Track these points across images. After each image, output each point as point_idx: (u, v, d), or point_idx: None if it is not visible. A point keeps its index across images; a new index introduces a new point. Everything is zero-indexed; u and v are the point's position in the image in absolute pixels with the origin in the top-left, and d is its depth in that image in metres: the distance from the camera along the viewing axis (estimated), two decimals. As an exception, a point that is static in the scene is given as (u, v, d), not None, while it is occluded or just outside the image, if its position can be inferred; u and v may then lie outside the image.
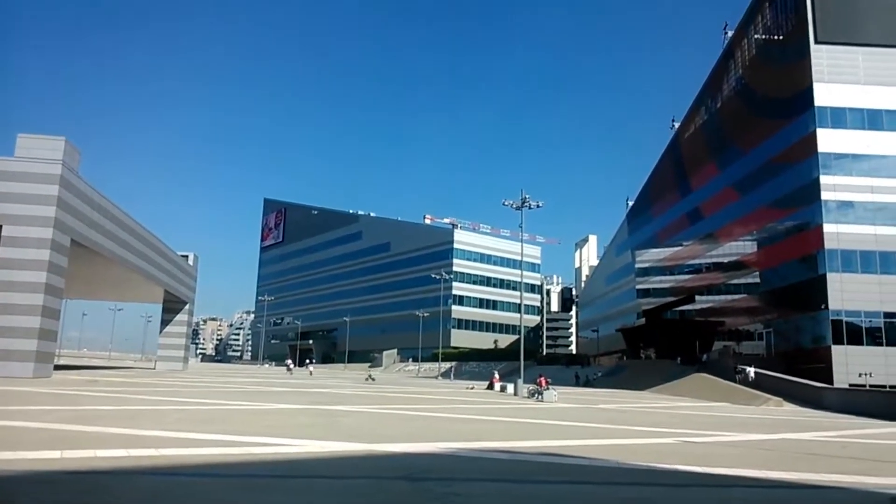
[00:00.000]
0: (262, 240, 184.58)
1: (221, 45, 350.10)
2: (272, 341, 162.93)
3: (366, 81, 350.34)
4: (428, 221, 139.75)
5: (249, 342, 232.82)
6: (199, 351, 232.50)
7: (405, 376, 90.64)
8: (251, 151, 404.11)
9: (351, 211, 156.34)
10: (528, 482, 10.09)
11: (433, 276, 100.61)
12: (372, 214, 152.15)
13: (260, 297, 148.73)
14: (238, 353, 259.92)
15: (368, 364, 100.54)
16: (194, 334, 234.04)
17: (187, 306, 69.10)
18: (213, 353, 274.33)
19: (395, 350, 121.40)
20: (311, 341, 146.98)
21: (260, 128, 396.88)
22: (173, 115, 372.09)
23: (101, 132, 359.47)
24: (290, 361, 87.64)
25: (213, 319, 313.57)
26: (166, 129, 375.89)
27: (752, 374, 45.33)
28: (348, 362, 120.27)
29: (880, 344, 47.88)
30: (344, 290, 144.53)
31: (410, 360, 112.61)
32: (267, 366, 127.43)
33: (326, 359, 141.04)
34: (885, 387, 43.25)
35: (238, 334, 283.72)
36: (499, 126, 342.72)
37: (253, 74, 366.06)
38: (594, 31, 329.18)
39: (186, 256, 69.91)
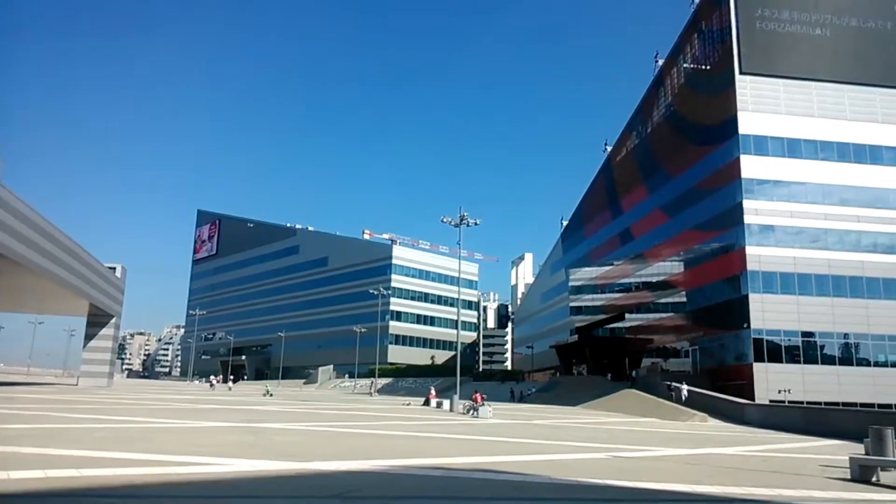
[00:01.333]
0: (195, 252, 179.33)
1: (154, 47, 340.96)
2: (203, 357, 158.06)
3: (304, 91, 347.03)
4: (367, 237, 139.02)
5: (179, 358, 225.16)
6: (125, 366, 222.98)
7: (341, 392, 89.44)
8: (184, 161, 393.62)
9: (288, 224, 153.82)
10: (463, 499, 10.13)
11: (371, 291, 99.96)
12: (310, 228, 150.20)
13: (191, 312, 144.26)
14: (167, 369, 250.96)
15: (269, 383, 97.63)
16: (120, 349, 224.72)
17: (113, 320, 66.44)
18: (141, 369, 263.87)
19: (332, 366, 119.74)
20: (243, 357, 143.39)
21: (193, 137, 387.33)
22: (100, 121, 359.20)
23: (22, 138, 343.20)
24: (213, 377, 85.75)
25: (141, 334, 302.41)
26: (92, 135, 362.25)
27: (685, 392, 45.82)
28: (282, 378, 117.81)
29: (798, 362, 50.28)
30: (279, 305, 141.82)
31: (346, 375, 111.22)
32: (197, 382, 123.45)
33: (260, 375, 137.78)
34: (802, 403, 45.29)
35: (167, 349, 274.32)
36: (440, 145, 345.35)
37: (185, 79, 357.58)
38: (533, 58, 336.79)
39: (114, 268, 67.28)
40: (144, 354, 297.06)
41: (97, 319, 64.89)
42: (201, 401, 42.92)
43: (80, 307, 61.54)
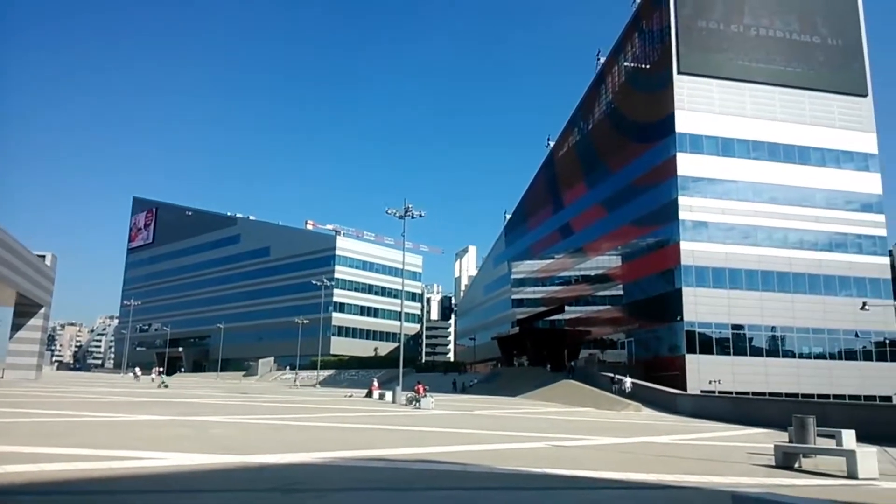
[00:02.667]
0: (130, 241, 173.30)
1: (85, 28, 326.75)
2: (138, 349, 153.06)
3: (247, 81, 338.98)
4: (310, 227, 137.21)
5: (112, 349, 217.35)
6: (55, 358, 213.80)
7: (282, 385, 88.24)
8: (119, 146, 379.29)
9: (229, 213, 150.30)
10: (404, 490, 10.22)
11: (314, 282, 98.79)
12: (251, 217, 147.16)
13: (126, 302, 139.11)
14: (99, 361, 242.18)
15: (294, 371, 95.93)
16: (50, 340, 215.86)
17: (42, 310, 63.76)
18: (72, 361, 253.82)
19: (272, 358, 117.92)
20: (180, 349, 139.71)
21: (129, 122, 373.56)
22: (28, 104, 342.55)
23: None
24: (137, 369, 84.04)
25: (73, 324, 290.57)
26: (21, 117, 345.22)
27: (628, 385, 45.64)
28: (221, 371, 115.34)
29: (728, 353, 52.42)
30: (219, 296, 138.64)
31: (288, 368, 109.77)
32: (132, 375, 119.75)
33: (198, 367, 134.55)
34: (731, 393, 47.21)
35: (100, 341, 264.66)
36: (385, 139, 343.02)
37: (120, 63, 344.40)
38: (476, 51, 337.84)
39: (43, 256, 64.52)
40: (76, 346, 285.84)
41: (25, 309, 62.23)
42: (136, 393, 41.71)
43: (6, 296, 58.87)
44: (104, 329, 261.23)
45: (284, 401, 39.40)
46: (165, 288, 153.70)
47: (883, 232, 57.76)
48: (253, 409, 29.86)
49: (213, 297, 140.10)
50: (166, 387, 55.04)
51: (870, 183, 57.86)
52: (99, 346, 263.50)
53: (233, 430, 19.25)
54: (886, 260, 58.94)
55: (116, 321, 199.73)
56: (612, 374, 48.90)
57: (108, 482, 9.72)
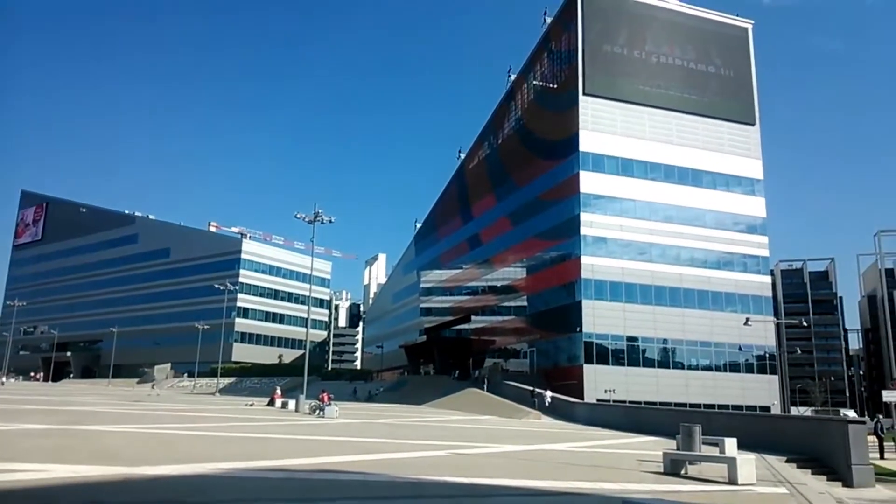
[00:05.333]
0: (16, 237, 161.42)
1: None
2: (21, 353, 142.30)
3: (149, 76, 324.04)
4: (213, 229, 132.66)
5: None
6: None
7: (179, 392, 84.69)
8: (5, 137, 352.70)
9: (127, 212, 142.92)
10: (304, 501, 10.17)
11: (217, 286, 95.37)
12: (151, 217, 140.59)
13: (9, 302, 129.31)
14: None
15: (155, 378, 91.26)
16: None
17: None
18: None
19: (169, 365, 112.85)
20: (69, 353, 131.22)
21: (19, 110, 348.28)
22: None
23: None
24: (4, 378, 78.92)
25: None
26: None
27: (548, 398, 44.88)
28: (113, 377, 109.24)
29: (623, 364, 54.90)
30: (113, 298, 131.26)
31: (186, 375, 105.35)
32: (13, 380, 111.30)
33: (88, 373, 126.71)
34: (625, 402, 49.35)
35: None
36: (296, 140, 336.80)
37: (12, 50, 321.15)
38: (393, 60, 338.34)
39: None
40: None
41: None
42: (16, 401, 38.94)
43: None
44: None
45: (180, 409, 37.92)
46: (54, 288, 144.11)
47: (766, 252, 62.33)
48: (146, 418, 28.60)
49: (106, 300, 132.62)
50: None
51: (755, 206, 62.30)
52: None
53: (124, 439, 18.41)
54: (768, 279, 63.66)
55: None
56: (532, 388, 48.17)
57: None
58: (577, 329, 54.39)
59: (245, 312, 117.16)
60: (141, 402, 47.02)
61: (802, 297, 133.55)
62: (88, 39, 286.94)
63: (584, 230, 55.99)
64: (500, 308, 72.81)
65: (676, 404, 50.79)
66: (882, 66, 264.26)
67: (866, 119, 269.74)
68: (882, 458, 27.46)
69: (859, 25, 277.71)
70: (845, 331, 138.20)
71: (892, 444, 29.47)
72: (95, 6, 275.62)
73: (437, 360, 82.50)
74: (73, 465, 11.94)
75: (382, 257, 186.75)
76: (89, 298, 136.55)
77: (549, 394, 45.62)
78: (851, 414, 34.54)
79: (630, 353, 55.61)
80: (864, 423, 19.05)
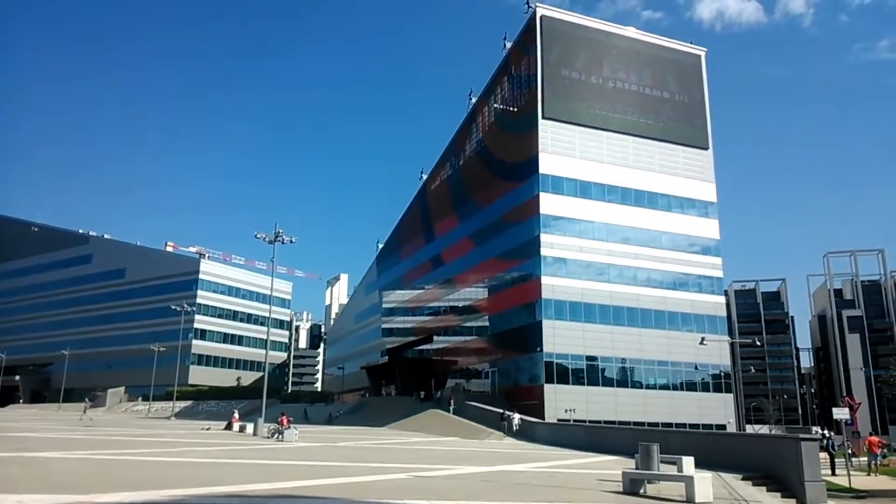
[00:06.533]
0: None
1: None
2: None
3: (100, 90, 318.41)
4: (170, 249, 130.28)
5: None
6: None
7: (133, 417, 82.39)
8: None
9: (81, 231, 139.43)
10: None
11: (174, 307, 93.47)
12: (106, 236, 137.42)
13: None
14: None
15: (87, 402, 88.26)
16: None
17: None
18: None
19: (123, 388, 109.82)
20: (17, 377, 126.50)
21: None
22: None
23: None
24: None
25: None
26: None
27: (516, 422, 43.81)
28: (64, 402, 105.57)
29: (582, 383, 55.43)
30: (65, 320, 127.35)
31: (140, 398, 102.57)
32: None
33: (37, 398, 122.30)
34: (585, 421, 49.78)
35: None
36: (257, 159, 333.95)
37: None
38: (356, 79, 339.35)
39: None
40: None
41: None
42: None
43: None
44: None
45: (133, 434, 36.95)
46: (3, 310, 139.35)
47: (720, 273, 63.92)
48: (99, 443, 27.81)
49: (58, 321, 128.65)
50: None
51: (709, 228, 63.97)
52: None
53: (74, 465, 17.91)
54: (722, 299, 65.26)
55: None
56: (502, 411, 46.80)
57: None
58: (538, 349, 54.81)
59: (203, 334, 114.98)
60: (92, 426, 45.65)
61: (755, 316, 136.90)
62: (40, 57, 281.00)
63: (544, 251, 56.69)
64: (462, 328, 72.99)
65: (635, 423, 51.29)
66: (826, 91, 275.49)
67: (814, 144, 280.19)
68: (834, 474, 28.25)
69: (802, 53, 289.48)
70: (797, 349, 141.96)
71: (843, 460, 30.30)
72: (46, 23, 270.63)
73: (399, 380, 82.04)
74: (18, 495, 11.56)
75: (344, 277, 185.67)
76: (40, 320, 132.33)
77: (517, 416, 44.65)
78: (827, 432, 35.28)
79: (590, 373, 56.23)
80: (816, 440, 19.55)
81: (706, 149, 66.07)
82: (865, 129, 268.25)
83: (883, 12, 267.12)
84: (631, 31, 67.95)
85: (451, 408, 54.17)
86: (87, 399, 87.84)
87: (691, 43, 69.85)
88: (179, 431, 42.80)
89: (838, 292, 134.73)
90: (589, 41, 64.12)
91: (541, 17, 62.26)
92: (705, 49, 69.61)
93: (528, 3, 64.73)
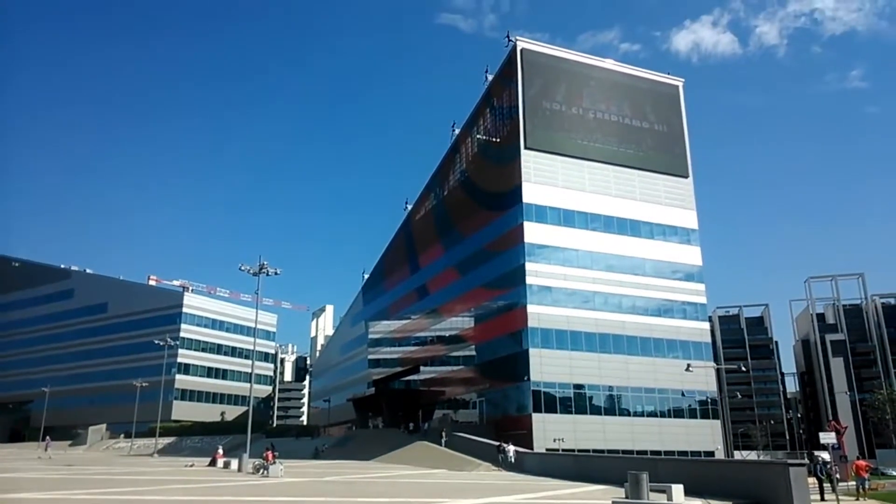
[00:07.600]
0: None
1: None
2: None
3: (78, 121, 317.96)
4: (153, 283, 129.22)
5: None
6: None
7: (115, 454, 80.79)
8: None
9: (62, 266, 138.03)
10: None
11: (156, 342, 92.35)
12: (88, 271, 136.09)
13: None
14: None
15: (48, 439, 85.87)
16: None
17: None
18: None
19: (104, 425, 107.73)
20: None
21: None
22: None
23: None
24: None
25: None
26: None
27: (511, 454, 42.85)
28: (44, 440, 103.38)
29: (570, 412, 55.29)
30: (46, 356, 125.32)
31: (122, 435, 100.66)
32: None
33: (16, 437, 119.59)
34: (574, 450, 49.53)
35: None
36: (245, 192, 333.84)
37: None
38: (335, 108, 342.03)
39: None
40: None
41: None
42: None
43: None
44: None
45: (115, 472, 36.28)
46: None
47: (703, 299, 64.42)
48: (79, 483, 27.31)
49: (38, 358, 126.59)
50: None
51: (691, 255, 64.65)
52: None
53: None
54: (707, 325, 65.75)
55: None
56: (498, 443, 45.68)
57: None
58: (525, 378, 54.71)
59: (186, 368, 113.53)
60: (72, 465, 44.76)
61: (740, 342, 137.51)
62: (19, 85, 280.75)
63: (529, 279, 56.95)
64: (448, 358, 72.74)
65: (624, 451, 51.23)
66: (799, 118, 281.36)
67: (792, 172, 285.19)
68: (822, 499, 28.26)
69: (778, 81, 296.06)
70: (782, 374, 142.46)
71: (830, 486, 30.38)
72: (17, 49, 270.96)
73: (386, 412, 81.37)
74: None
75: (330, 309, 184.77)
76: (20, 357, 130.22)
77: (512, 448, 43.56)
78: (826, 456, 35.12)
79: (577, 401, 56.13)
80: (805, 465, 19.61)
81: (686, 177, 67.08)
82: (840, 154, 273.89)
83: (854, 43, 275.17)
84: (610, 63, 69.33)
85: (444, 440, 53.25)
86: (47, 437, 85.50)
87: (669, 73, 71.42)
88: (162, 469, 42.10)
89: (821, 317, 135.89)
90: (569, 73, 65.30)
91: (521, 51, 63.44)
92: (683, 79, 71.16)
93: (508, 36, 66.04)
